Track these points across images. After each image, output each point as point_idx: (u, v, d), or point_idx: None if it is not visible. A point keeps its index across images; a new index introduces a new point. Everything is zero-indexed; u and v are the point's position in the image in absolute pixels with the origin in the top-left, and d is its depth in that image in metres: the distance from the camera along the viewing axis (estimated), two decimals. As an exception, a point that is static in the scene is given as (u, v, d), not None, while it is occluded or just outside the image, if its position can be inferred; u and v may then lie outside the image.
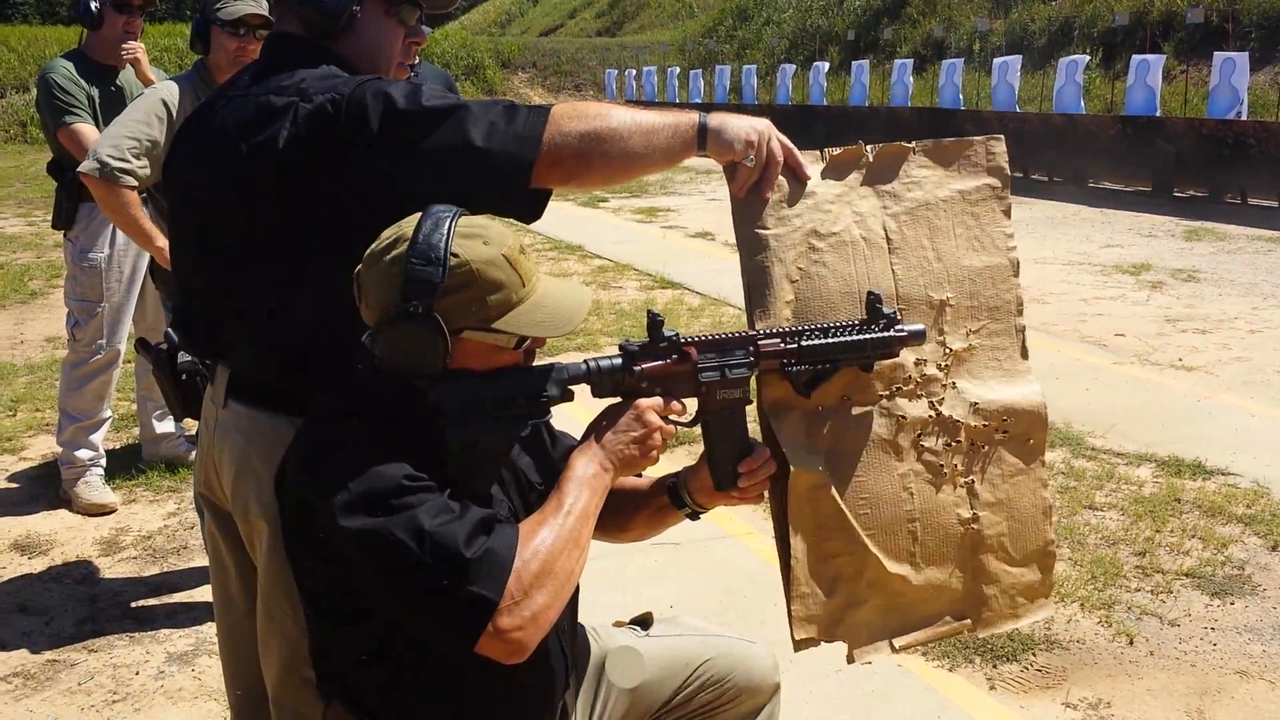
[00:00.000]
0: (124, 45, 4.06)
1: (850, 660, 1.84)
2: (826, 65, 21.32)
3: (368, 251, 1.55)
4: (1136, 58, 14.34)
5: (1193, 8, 15.90)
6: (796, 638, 1.78)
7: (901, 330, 1.77)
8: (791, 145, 1.83)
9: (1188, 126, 13.11)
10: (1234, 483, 4.30)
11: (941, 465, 1.84)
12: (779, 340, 1.73)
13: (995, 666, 3.05)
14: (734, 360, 1.70)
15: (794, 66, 22.80)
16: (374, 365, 1.54)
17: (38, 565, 3.74)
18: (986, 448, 1.87)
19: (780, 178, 1.83)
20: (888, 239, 1.88)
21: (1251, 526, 3.90)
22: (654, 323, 1.66)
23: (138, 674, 3.08)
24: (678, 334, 1.68)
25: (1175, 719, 2.81)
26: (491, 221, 1.59)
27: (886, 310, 1.77)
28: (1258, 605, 3.37)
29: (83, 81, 3.98)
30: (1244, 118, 12.61)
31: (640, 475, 1.80)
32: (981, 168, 1.96)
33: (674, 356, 1.67)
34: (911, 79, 18.39)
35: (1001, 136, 2.00)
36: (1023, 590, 1.89)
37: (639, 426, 1.62)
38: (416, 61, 5.65)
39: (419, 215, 1.53)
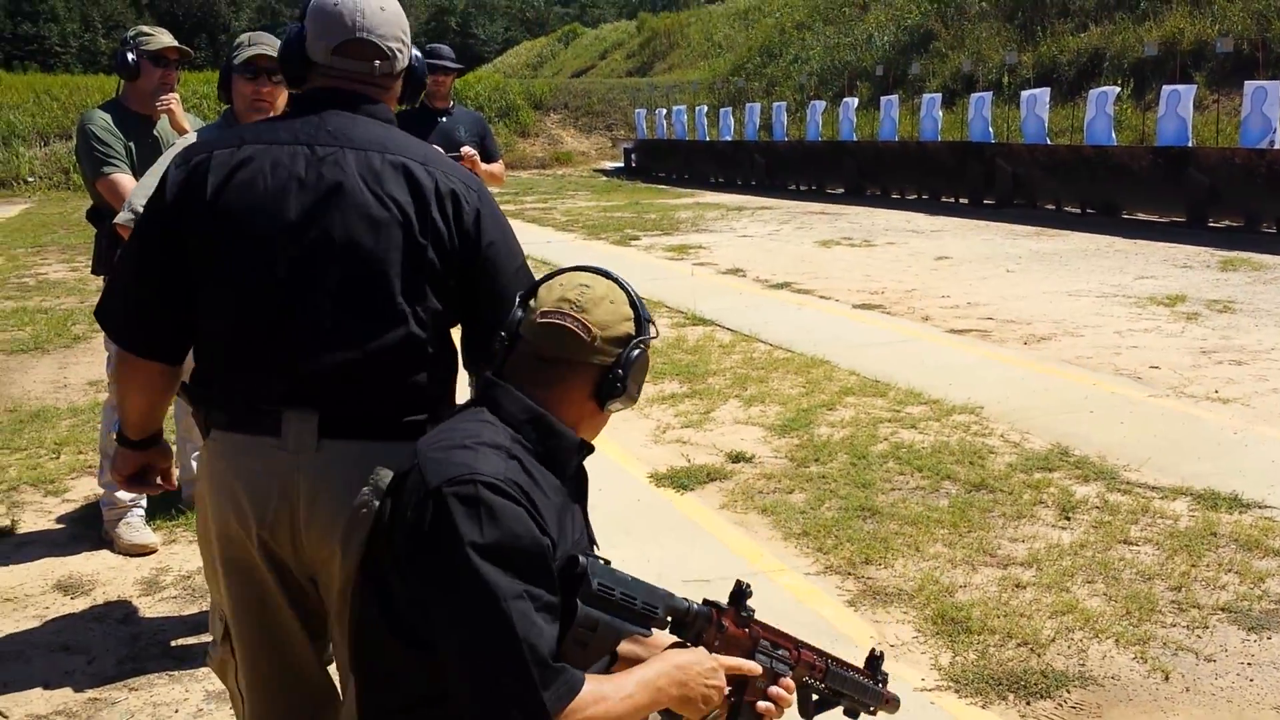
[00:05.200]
0: (159, 97, 4.16)
1: None
2: (856, 101, 21.42)
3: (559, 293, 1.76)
4: (1167, 88, 14.31)
5: (1223, 37, 15.88)
6: None
7: (889, 692, 2.00)
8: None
9: (1221, 156, 13.05)
10: (1271, 516, 4.26)
11: None
12: (815, 655, 1.86)
13: (1029, 703, 3.03)
14: (779, 656, 1.81)
15: (824, 103, 22.93)
16: (536, 411, 1.69)
17: (80, 605, 3.81)
18: None
19: None
20: None
21: (1289, 560, 3.86)
22: (740, 594, 1.76)
23: (177, 712, 3.12)
24: (753, 610, 1.78)
25: (1212, 755, 2.79)
26: None
27: (884, 671, 2.00)
28: (1296, 640, 3.33)
29: (119, 132, 4.08)
30: (1277, 146, 12.53)
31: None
32: None
33: (745, 629, 1.77)
34: (941, 113, 18.43)
35: None
36: None
37: (715, 678, 1.69)
38: (451, 104, 5.81)
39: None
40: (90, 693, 3.23)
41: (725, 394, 6.39)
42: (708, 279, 10.85)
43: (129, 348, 2.04)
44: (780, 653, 1.80)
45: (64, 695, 3.23)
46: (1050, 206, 15.66)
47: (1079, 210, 15.02)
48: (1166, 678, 3.14)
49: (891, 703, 2.00)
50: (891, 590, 3.74)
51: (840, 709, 1.94)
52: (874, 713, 1.99)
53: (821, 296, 9.67)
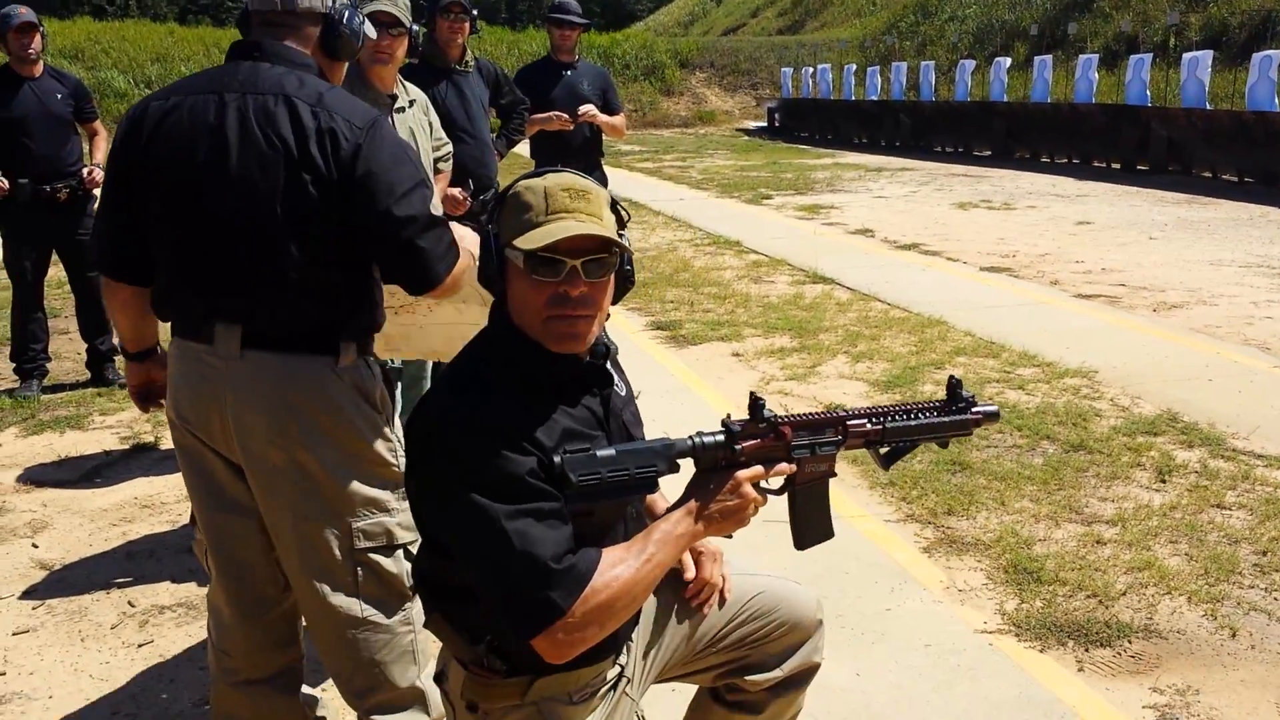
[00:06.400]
0: None
1: None
2: (1009, 61, 20.78)
3: None
4: (1340, 51, 13.49)
5: None
6: None
7: (978, 412, 1.95)
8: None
9: (1395, 123, 12.28)
10: (1381, 489, 4.13)
11: None
12: (865, 421, 1.89)
13: (1087, 650, 3.07)
14: (823, 439, 1.87)
15: (974, 62, 22.31)
16: (510, 325, 1.77)
17: (208, 513, 4.16)
18: None
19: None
20: None
21: (1391, 532, 3.75)
22: (755, 404, 1.82)
23: (284, 610, 3.41)
24: (775, 414, 1.83)
25: (1265, 710, 2.78)
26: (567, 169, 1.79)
27: (965, 393, 1.94)
28: (1381, 609, 3.27)
29: None
30: None
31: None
32: None
33: (771, 435, 1.82)
34: (1097, 75, 17.75)
35: None
36: None
37: (734, 498, 1.77)
38: (576, 58, 5.97)
39: None
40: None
41: (834, 350, 6.44)
42: (834, 238, 10.81)
43: (103, 271, 2.40)
44: (825, 434, 1.86)
45: (186, 590, 3.56)
46: (1206, 174, 14.99)
47: (1236, 179, 14.34)
48: (1234, 635, 3.13)
49: (984, 420, 1.96)
50: (969, 540, 3.79)
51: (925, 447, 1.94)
52: (966, 435, 1.98)
53: (949, 259, 9.55)
